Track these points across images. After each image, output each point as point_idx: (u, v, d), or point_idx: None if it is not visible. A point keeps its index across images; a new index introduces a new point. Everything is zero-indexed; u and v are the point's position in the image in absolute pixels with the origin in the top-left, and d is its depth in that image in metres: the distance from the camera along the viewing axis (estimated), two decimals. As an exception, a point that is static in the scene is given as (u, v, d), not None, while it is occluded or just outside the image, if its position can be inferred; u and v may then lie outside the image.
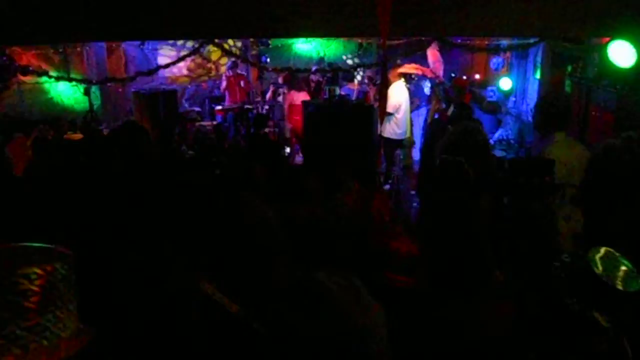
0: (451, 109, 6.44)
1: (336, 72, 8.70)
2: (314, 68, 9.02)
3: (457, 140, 3.42)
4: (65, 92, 10.02)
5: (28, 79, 9.29)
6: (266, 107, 9.53)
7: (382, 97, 4.76)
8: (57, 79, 8.44)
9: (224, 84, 9.98)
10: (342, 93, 8.24)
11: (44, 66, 8.96)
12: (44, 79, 9.44)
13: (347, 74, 9.28)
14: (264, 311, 1.19)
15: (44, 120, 8.00)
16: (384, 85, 4.74)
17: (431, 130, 6.41)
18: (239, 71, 10.06)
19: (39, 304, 0.99)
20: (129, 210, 3.45)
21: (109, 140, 5.67)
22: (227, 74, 9.99)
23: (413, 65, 7.91)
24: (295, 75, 8.79)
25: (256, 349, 1.24)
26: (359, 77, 9.43)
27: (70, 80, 8.53)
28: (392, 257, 2.21)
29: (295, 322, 1.05)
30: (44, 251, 1.07)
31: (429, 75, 8.08)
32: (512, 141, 7.75)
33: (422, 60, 8.23)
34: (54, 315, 1.01)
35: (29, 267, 0.99)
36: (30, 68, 7.87)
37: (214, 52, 10.63)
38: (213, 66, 11.16)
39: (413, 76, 7.90)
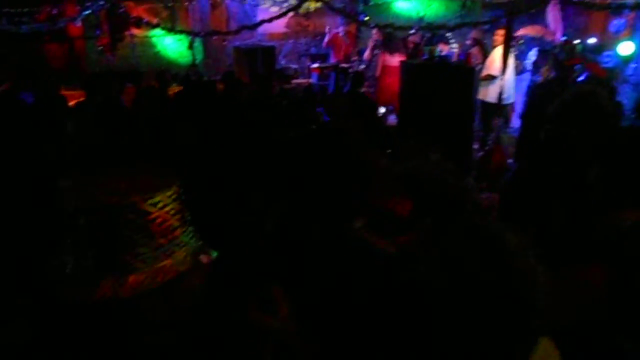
0: (553, 74, 5.97)
1: (435, 33, 8.34)
2: (413, 29, 8.71)
3: (569, 107, 3.15)
4: (171, 46, 10.53)
5: (139, 32, 9.84)
6: (362, 65, 9.40)
7: (505, 58, 4.48)
8: (167, 30, 8.81)
9: (327, 38, 9.93)
10: (444, 54, 7.91)
11: (153, 20, 9.41)
12: (153, 32, 9.97)
13: (442, 37, 8.87)
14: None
15: (151, 72, 8.50)
16: (507, 45, 4.45)
17: (536, 95, 6.01)
18: (343, 28, 9.92)
19: (164, 226, 1.06)
20: (225, 162, 3.58)
21: (208, 90, 5.91)
22: (333, 30, 9.93)
23: (536, 26, 7.33)
24: (393, 36, 8.54)
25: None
26: (453, 41, 8.99)
27: (179, 32, 8.86)
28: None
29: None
30: (163, 178, 1.13)
31: (549, 38, 7.48)
32: (628, 111, 7.09)
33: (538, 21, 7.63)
34: (176, 236, 1.09)
35: (154, 194, 1.05)
36: (145, 20, 8.26)
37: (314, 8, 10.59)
38: (311, 23, 11.14)
39: (521, 40, 7.38)
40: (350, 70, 9.01)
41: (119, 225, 1.00)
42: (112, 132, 4.34)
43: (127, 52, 9.76)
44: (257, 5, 10.58)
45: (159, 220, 1.04)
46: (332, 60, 9.86)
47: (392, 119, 8.46)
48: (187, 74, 9.14)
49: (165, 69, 8.89)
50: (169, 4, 9.81)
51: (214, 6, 10.35)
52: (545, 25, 7.43)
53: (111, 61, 9.24)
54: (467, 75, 6.56)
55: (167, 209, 1.06)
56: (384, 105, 8.88)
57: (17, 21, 7.44)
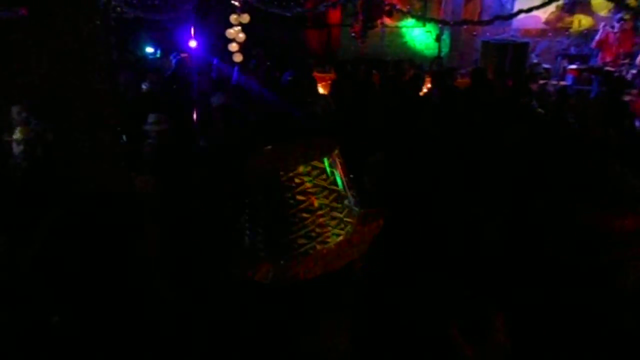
0: None
1: None
2: None
3: None
4: (419, 38, 10.58)
5: (390, 22, 10.10)
6: (633, 70, 8.07)
7: None
8: (417, 18, 8.83)
9: (599, 36, 8.79)
10: None
11: (405, 10, 9.53)
12: (403, 23, 10.14)
13: None
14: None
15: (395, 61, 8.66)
16: None
17: None
18: (618, 25, 8.64)
19: (327, 197, 0.95)
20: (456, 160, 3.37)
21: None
22: (608, 27, 8.75)
23: None
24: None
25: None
26: None
27: (429, 21, 8.81)
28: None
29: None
30: (321, 145, 1.02)
31: None
32: None
33: None
34: (342, 206, 0.97)
35: (309, 162, 0.95)
36: (397, 6, 8.40)
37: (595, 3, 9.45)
38: (575, 20, 9.97)
39: None
40: (616, 75, 7.81)
41: (281, 197, 0.92)
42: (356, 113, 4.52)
43: (376, 40, 10.11)
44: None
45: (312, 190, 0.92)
46: (597, 62, 8.67)
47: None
48: (431, 66, 9.08)
49: (404, 59, 8.97)
50: (423, -5, 9.83)
51: (468, -1, 10.03)
52: None
53: (360, 48, 9.68)
54: None
55: (322, 177, 0.94)
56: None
57: (284, 5, 8.28)
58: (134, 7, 8.27)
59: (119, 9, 8.30)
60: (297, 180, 0.94)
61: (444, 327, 1.18)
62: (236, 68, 6.67)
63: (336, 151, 1.02)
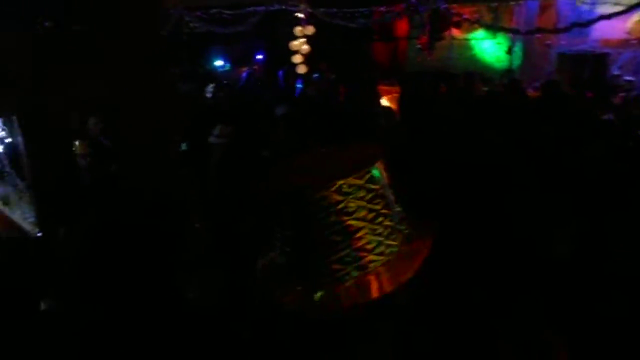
0: None
1: None
2: None
3: None
4: (489, 50, 10.22)
5: (459, 34, 9.85)
6: None
7: None
8: (487, 28, 8.55)
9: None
10: None
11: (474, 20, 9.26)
12: (472, 35, 9.84)
13: None
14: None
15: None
16: None
17: None
18: None
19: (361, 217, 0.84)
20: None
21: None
22: None
23: None
24: None
25: None
26: None
27: (500, 30, 8.49)
28: None
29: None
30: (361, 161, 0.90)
31: None
32: None
33: None
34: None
35: (347, 176, 0.84)
36: (464, 16, 8.17)
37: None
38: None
39: None
40: None
41: (310, 217, 0.80)
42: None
43: (444, 53, 9.87)
44: (593, 6, 9.35)
45: (351, 208, 0.81)
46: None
47: None
48: (501, 79, 8.73)
49: (475, 72, 8.66)
50: (493, 4, 9.49)
51: (543, 8, 9.58)
52: None
53: (427, 61, 9.49)
54: None
55: (359, 194, 0.82)
56: None
57: (349, 17, 8.25)
58: (205, 21, 8.56)
59: (191, 24, 8.63)
60: (331, 199, 0.84)
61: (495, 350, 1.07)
62: (299, 80, 6.71)
63: (380, 161, 0.91)
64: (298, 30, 7.05)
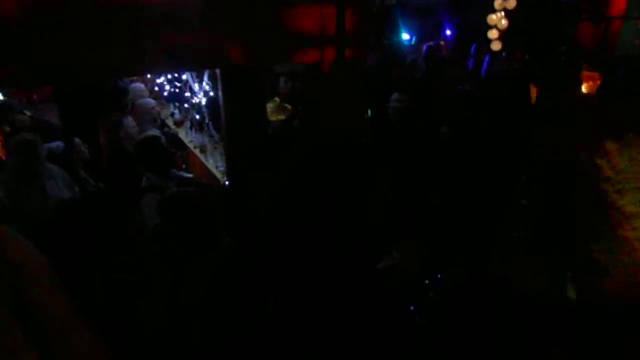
0: None
1: None
2: None
3: None
4: None
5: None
6: None
7: None
8: None
9: None
10: None
11: None
12: None
13: None
14: None
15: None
16: None
17: None
18: None
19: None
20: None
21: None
22: None
23: None
24: None
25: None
26: None
27: None
28: None
29: None
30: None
31: None
32: None
33: None
34: None
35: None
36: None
37: None
38: None
39: None
40: None
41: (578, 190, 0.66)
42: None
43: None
44: None
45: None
46: None
47: None
48: None
49: None
50: None
51: None
52: None
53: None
54: None
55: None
56: None
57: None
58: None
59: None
60: (602, 165, 0.71)
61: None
62: (488, 57, 6.30)
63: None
64: (497, 3, 6.52)
